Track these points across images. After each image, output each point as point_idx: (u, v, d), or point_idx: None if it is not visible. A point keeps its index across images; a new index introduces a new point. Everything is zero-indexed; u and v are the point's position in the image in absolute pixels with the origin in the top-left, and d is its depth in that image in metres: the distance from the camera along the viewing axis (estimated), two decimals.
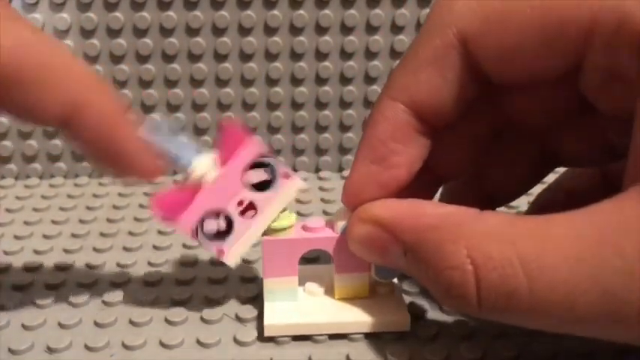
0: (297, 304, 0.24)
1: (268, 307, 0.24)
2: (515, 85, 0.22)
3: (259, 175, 0.23)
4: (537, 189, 0.29)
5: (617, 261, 0.17)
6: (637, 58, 0.19)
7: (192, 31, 0.35)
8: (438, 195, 0.28)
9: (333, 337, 0.23)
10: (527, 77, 0.22)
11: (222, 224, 0.23)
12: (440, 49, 0.21)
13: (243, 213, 0.23)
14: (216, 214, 0.23)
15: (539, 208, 0.28)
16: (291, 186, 0.24)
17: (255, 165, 0.23)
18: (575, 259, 0.17)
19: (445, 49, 0.21)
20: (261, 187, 0.23)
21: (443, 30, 0.21)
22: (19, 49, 0.18)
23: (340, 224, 0.23)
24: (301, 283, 0.25)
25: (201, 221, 0.23)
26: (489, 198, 0.27)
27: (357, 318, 0.23)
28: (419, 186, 0.25)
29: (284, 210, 0.24)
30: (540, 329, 0.19)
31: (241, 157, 0.23)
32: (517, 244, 0.18)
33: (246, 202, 0.23)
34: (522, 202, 0.30)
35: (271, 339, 0.23)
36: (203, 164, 0.23)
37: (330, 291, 0.25)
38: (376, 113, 0.22)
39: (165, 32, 0.35)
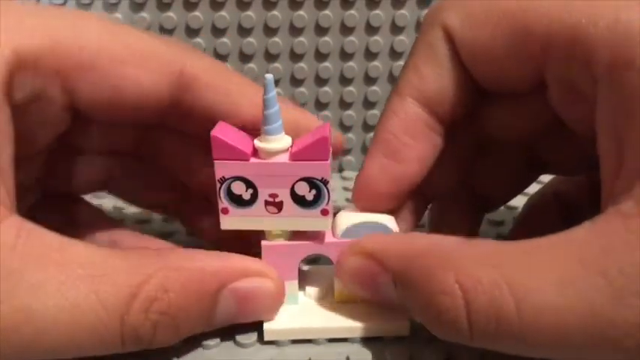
0: (296, 308, 0.24)
1: None
2: (491, 88, 0.23)
3: (304, 191, 0.22)
4: (534, 187, 0.30)
5: (602, 282, 0.17)
6: (590, 76, 0.19)
7: (191, 32, 0.35)
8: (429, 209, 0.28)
9: (333, 337, 0.23)
10: (500, 81, 0.23)
11: (246, 195, 0.22)
12: (432, 43, 0.23)
13: (267, 204, 0.23)
14: (249, 185, 0.22)
15: (530, 210, 0.29)
16: (316, 222, 0.23)
17: (311, 182, 0.22)
18: (561, 282, 0.17)
19: (436, 42, 0.23)
20: (298, 200, 0.23)
21: (433, 26, 0.23)
22: None
23: (340, 229, 0.23)
24: (302, 283, 0.25)
25: (233, 179, 0.22)
26: (479, 205, 0.28)
27: (356, 323, 0.23)
28: (407, 205, 0.26)
29: None
30: (535, 357, 0.19)
31: (307, 166, 0.22)
32: (504, 269, 0.18)
33: (277, 200, 0.23)
34: (521, 203, 0.30)
35: (272, 340, 0.23)
36: (280, 144, 0.22)
37: (330, 293, 0.25)
38: (387, 110, 0.24)
39: (165, 33, 0.35)
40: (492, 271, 0.18)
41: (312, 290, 0.25)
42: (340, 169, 0.39)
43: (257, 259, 0.23)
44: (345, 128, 0.38)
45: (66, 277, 0.19)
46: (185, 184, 0.27)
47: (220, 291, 0.21)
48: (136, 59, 0.22)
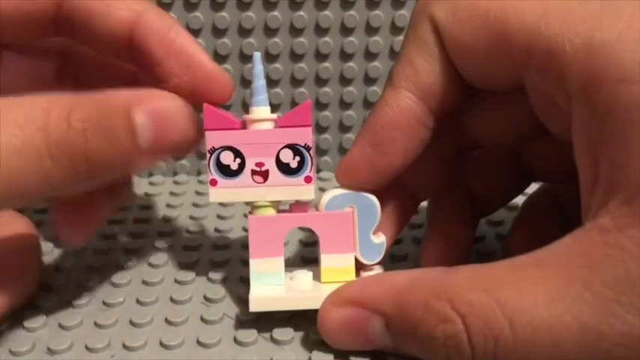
0: (282, 287, 0.24)
1: (254, 286, 0.24)
2: (476, 84, 0.23)
3: (288, 158, 0.24)
4: (532, 187, 0.30)
5: (588, 296, 0.18)
6: (565, 91, 0.20)
7: (192, 32, 0.35)
8: (428, 214, 0.28)
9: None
10: (483, 78, 0.23)
11: (234, 165, 0.24)
12: (422, 35, 0.23)
13: (254, 173, 0.24)
14: (237, 155, 0.24)
15: (527, 210, 0.29)
16: (300, 191, 0.24)
17: (294, 148, 0.24)
18: (550, 300, 0.18)
19: (425, 35, 0.23)
20: (283, 168, 0.24)
21: (421, 18, 0.23)
22: None
23: (324, 202, 0.24)
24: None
25: (223, 149, 0.24)
26: (478, 209, 0.28)
27: None
28: (396, 204, 0.26)
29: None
30: None
31: (291, 133, 0.24)
32: (492, 291, 0.19)
33: (263, 169, 0.24)
34: (520, 201, 0.30)
35: (272, 339, 0.23)
36: (263, 114, 0.24)
37: (317, 280, 0.24)
38: (380, 101, 0.24)
39: None
40: (482, 295, 0.19)
41: (299, 273, 0.25)
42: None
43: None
44: (345, 128, 0.38)
45: None
46: None
47: (132, 109, 0.21)
48: None
